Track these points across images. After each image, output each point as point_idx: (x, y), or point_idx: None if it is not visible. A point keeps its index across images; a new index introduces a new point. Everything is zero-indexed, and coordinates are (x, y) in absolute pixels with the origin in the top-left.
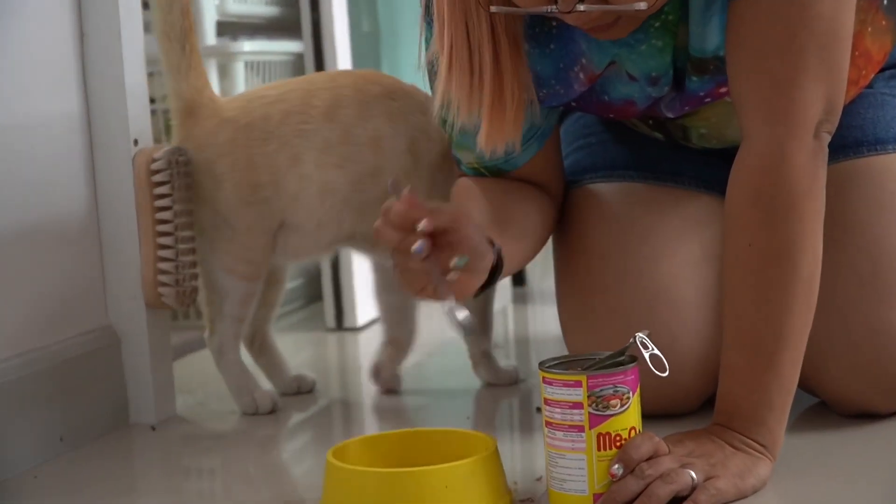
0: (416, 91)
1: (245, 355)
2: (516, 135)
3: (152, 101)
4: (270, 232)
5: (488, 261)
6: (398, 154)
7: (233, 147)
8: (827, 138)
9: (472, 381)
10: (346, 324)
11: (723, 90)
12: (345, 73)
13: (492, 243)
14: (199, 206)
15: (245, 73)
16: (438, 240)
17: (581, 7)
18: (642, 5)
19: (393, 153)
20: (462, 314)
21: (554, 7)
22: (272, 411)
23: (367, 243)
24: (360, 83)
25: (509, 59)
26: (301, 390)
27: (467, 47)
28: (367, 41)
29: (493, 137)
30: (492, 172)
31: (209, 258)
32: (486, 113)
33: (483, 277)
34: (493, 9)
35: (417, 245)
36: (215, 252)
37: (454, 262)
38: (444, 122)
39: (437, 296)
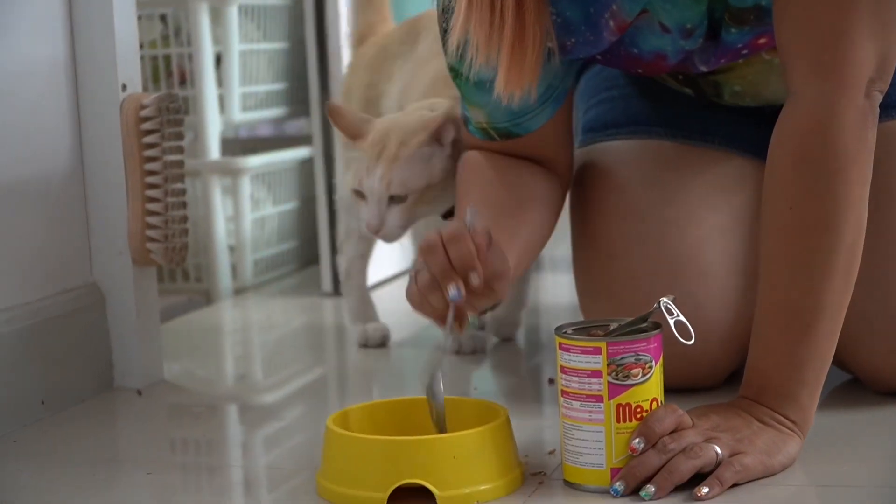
0: None
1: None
2: (534, 81)
3: (140, 46)
4: None
5: (506, 284)
6: None
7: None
8: (878, 98)
9: (481, 353)
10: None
11: (762, 41)
12: None
13: None
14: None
15: (239, 17)
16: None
17: None
18: None
19: None
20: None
21: None
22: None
23: None
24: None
25: None
26: None
27: None
28: None
29: (511, 82)
30: (501, 135)
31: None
32: (505, 55)
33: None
34: None
35: (454, 292)
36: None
37: (470, 319)
38: (458, 71)
39: (443, 325)
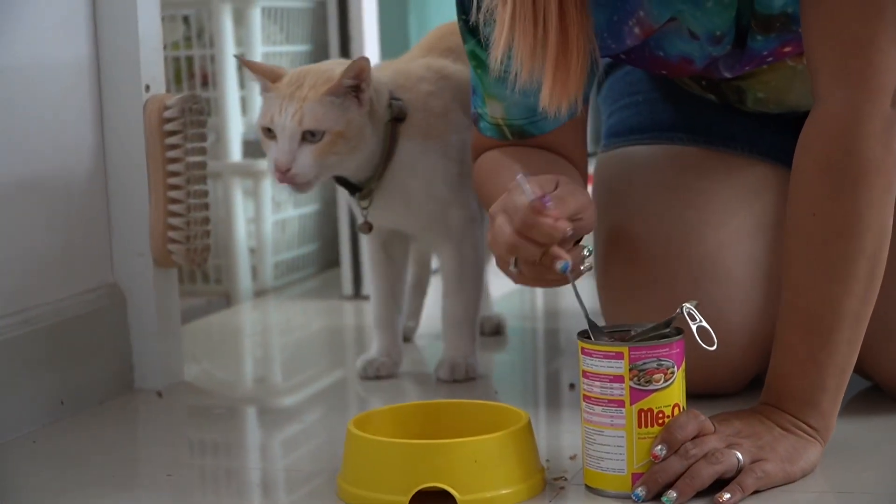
0: None
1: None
2: (580, 90)
3: (162, 47)
4: None
5: (592, 209)
6: None
7: None
8: None
9: (500, 357)
10: (365, 291)
11: (787, 49)
12: None
13: None
14: None
15: (262, 19)
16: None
17: None
18: None
19: None
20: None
21: None
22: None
23: None
24: None
25: (575, 7)
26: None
27: None
28: None
29: (557, 94)
30: (514, 133)
31: None
32: (549, 68)
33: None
34: None
35: (563, 264)
36: None
37: (585, 253)
38: (480, 59)
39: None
